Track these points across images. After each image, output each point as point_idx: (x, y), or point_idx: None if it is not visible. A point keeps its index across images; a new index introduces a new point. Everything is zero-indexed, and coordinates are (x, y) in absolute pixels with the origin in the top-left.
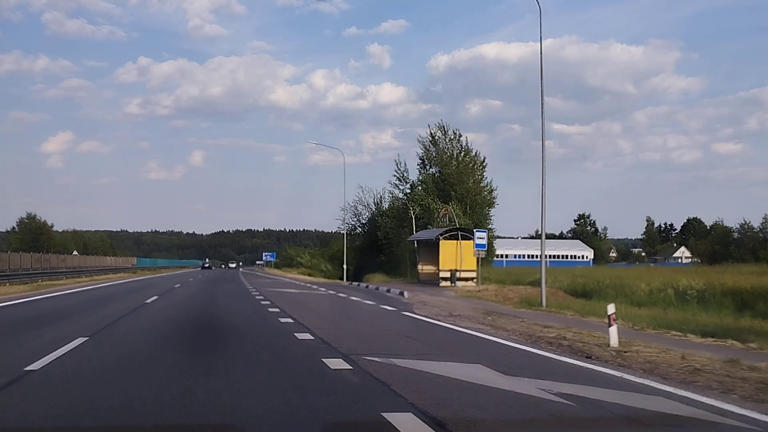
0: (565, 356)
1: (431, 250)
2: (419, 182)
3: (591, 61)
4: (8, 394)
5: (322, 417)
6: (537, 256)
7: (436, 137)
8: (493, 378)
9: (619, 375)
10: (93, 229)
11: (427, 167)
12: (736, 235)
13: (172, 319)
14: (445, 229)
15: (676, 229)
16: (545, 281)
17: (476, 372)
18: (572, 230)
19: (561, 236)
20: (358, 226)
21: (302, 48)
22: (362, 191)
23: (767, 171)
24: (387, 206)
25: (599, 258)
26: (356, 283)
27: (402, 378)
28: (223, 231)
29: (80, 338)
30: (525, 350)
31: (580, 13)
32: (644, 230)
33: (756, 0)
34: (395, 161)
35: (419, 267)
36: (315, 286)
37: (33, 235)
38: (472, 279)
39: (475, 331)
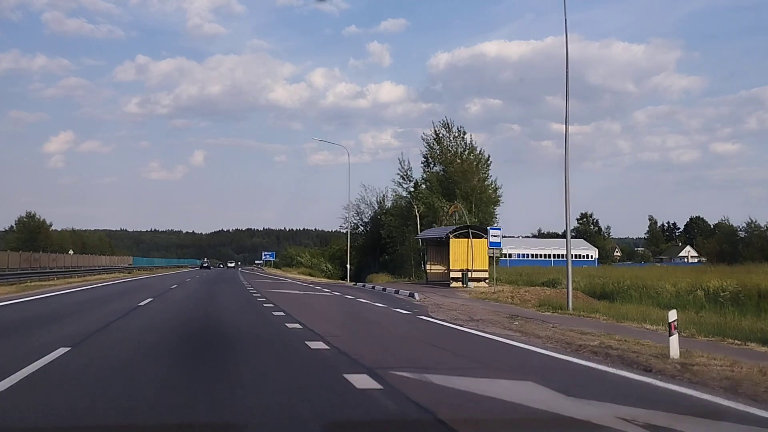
0: (621, 369)
1: (440, 249)
2: (423, 180)
3: (592, 59)
4: None
5: None
6: (540, 256)
7: (440, 135)
8: (556, 401)
9: (699, 395)
10: (92, 229)
11: (431, 165)
12: (743, 234)
13: (166, 324)
14: (455, 226)
15: (679, 228)
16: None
17: (531, 393)
18: (575, 229)
19: (564, 236)
20: (361, 225)
21: (302, 47)
22: (365, 189)
23: (766, 171)
24: (390, 205)
25: (603, 257)
26: (361, 284)
27: (445, 401)
28: (222, 230)
29: (61, 349)
30: (572, 362)
31: (582, 12)
32: (647, 229)
33: None
34: (398, 159)
35: (427, 267)
36: (318, 287)
37: (31, 234)
38: (484, 279)
39: (505, 338)
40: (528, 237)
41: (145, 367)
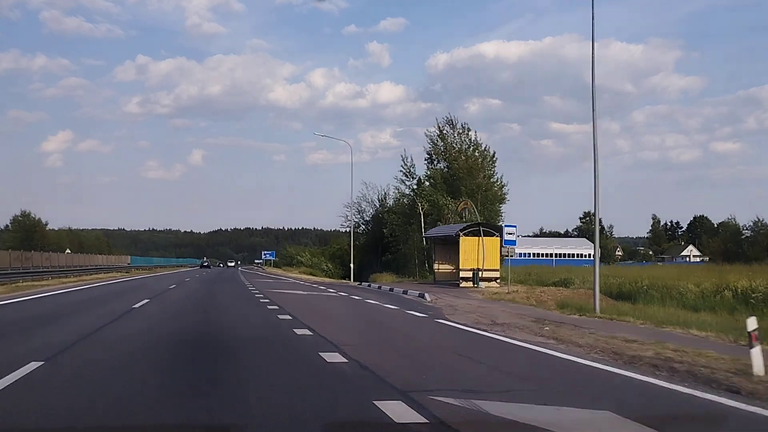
0: (701, 390)
1: (448, 248)
2: (427, 177)
3: (590, 59)
4: None
5: None
6: (542, 255)
7: (444, 131)
8: None
9: None
10: (90, 228)
11: (435, 162)
12: (749, 233)
13: (162, 330)
14: (465, 224)
15: (682, 227)
16: (580, 282)
17: (618, 429)
18: (578, 228)
19: (566, 234)
20: (362, 223)
21: (301, 46)
22: (366, 187)
23: (765, 170)
24: (392, 203)
25: (605, 257)
26: (366, 284)
27: None
28: (221, 229)
29: (32, 363)
30: (637, 380)
31: (580, 12)
32: (650, 228)
33: None
34: (401, 156)
35: (435, 266)
36: (322, 287)
37: (26, 233)
38: (495, 279)
39: (540, 346)
40: (529, 236)
41: (129, 387)
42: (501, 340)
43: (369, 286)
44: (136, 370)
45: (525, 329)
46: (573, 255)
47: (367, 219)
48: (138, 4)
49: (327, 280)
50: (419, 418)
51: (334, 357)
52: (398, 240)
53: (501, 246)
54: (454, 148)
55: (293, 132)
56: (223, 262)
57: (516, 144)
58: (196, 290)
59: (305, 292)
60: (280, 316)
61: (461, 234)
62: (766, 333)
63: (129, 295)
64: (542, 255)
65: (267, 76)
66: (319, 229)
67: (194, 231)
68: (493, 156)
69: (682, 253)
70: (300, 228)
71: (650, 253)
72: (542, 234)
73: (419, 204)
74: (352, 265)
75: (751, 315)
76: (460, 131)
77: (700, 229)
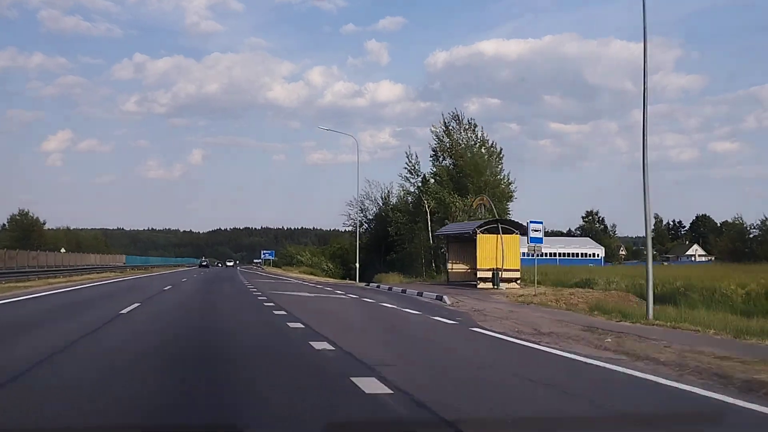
0: None
1: (462, 246)
2: (432, 174)
3: (590, 58)
4: None
5: None
6: (544, 255)
7: (450, 127)
8: None
9: None
10: (89, 227)
11: (441, 159)
12: (757, 232)
13: (149, 342)
14: (483, 221)
15: (685, 227)
16: (604, 283)
17: None
18: (581, 227)
19: (569, 234)
20: (365, 222)
21: (300, 45)
22: (369, 185)
23: (764, 169)
24: (395, 201)
25: (609, 256)
26: (374, 285)
27: None
28: (220, 229)
29: None
30: None
31: (580, 10)
32: (653, 228)
33: None
34: (406, 153)
35: (449, 266)
36: (329, 288)
37: (24, 232)
38: (515, 280)
39: (610, 363)
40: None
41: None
42: (560, 355)
43: (378, 287)
44: (106, 401)
45: (580, 340)
46: (577, 254)
47: (370, 218)
48: (137, 3)
49: (330, 280)
50: None
51: (373, 386)
52: (403, 239)
53: (528, 243)
54: (460, 144)
55: (292, 131)
56: (221, 261)
57: (515, 143)
58: (192, 292)
59: (312, 294)
60: (290, 324)
61: (479, 231)
62: None
63: (118, 299)
64: (545, 255)
65: (265, 75)
66: (318, 228)
67: (193, 230)
68: (500, 153)
69: (687, 253)
70: (299, 227)
71: (655, 252)
72: (545, 234)
73: (425, 202)
74: (357, 265)
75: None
76: (467, 127)
77: (703, 229)
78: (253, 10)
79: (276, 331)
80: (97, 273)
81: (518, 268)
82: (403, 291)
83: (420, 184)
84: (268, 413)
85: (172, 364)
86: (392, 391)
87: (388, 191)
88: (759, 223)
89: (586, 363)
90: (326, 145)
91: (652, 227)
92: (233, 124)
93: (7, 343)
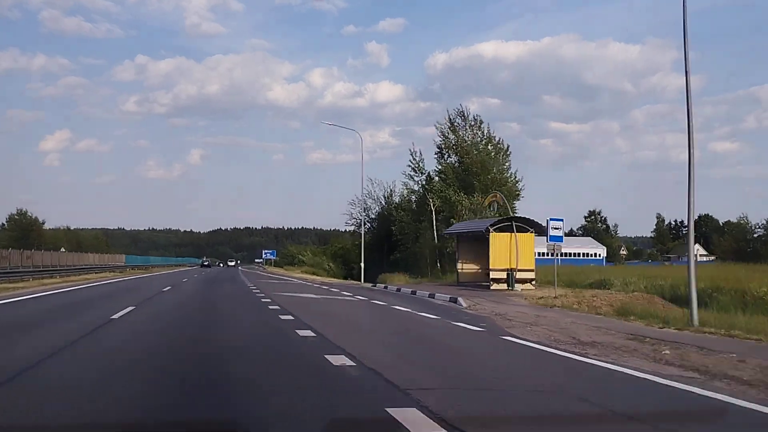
0: None
1: (473, 246)
2: (437, 172)
3: (589, 59)
4: None
5: None
6: (544, 254)
7: (456, 124)
8: None
9: None
10: (89, 227)
11: (446, 156)
12: (762, 231)
13: (140, 354)
14: (495, 219)
15: (686, 227)
16: (621, 284)
17: None
18: (582, 227)
19: (571, 233)
20: (368, 221)
21: (300, 46)
22: (372, 184)
23: (764, 169)
24: (398, 200)
25: (611, 256)
26: (381, 286)
27: None
28: (220, 229)
29: None
30: None
31: (579, 11)
32: (654, 227)
33: None
34: (410, 150)
35: (459, 265)
36: (335, 290)
37: (23, 232)
38: (530, 281)
39: (685, 383)
40: None
41: None
42: (622, 372)
43: (386, 288)
44: None
45: (632, 352)
46: (579, 254)
47: (373, 217)
48: (138, 3)
49: (334, 280)
50: None
51: (419, 422)
52: (407, 238)
53: (547, 242)
54: (466, 141)
55: (292, 131)
56: (222, 261)
57: (515, 143)
58: (193, 294)
59: (318, 296)
60: (301, 332)
61: (492, 230)
62: None
63: (113, 300)
64: (544, 254)
65: (266, 76)
66: (318, 228)
67: (194, 230)
68: (507, 150)
69: None
70: (300, 227)
71: (656, 252)
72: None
73: (430, 200)
74: (362, 265)
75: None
76: (472, 124)
77: (705, 228)
78: (253, 10)
79: (286, 341)
80: (96, 273)
81: (533, 268)
82: (413, 292)
83: (424, 182)
84: None
85: (159, 389)
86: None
87: (391, 190)
88: (764, 222)
89: (656, 383)
90: (326, 145)
91: (654, 228)
92: (233, 124)
93: None
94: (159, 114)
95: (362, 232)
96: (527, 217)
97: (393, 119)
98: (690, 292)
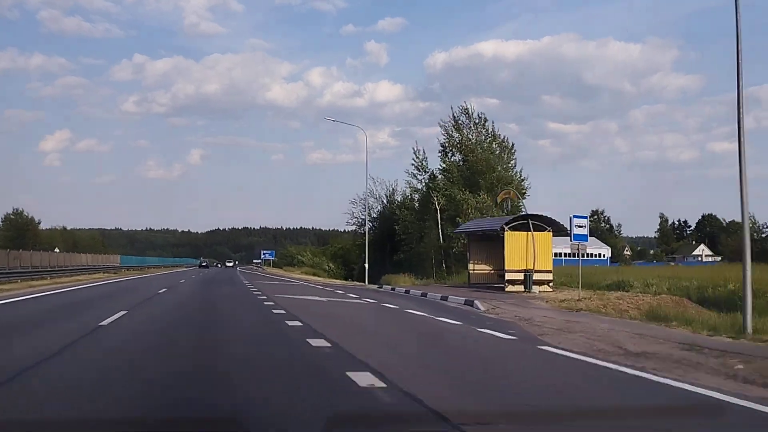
0: None
1: (484, 245)
2: (441, 171)
3: (589, 59)
4: None
5: None
6: (556, 254)
7: (460, 121)
8: None
9: None
10: (86, 227)
11: (450, 155)
12: None
13: (126, 370)
14: (510, 216)
15: (690, 227)
16: (641, 285)
17: None
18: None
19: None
20: (369, 220)
21: (299, 45)
22: (374, 182)
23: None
24: (400, 198)
25: (615, 256)
26: (388, 287)
27: None
28: (218, 229)
29: None
30: None
31: (579, 11)
32: (657, 228)
33: None
34: (413, 149)
35: (470, 266)
36: (339, 291)
37: (18, 231)
38: (547, 282)
39: None
40: None
41: None
42: (698, 393)
43: (393, 289)
44: None
45: (695, 365)
46: (583, 255)
47: (374, 216)
48: (136, 3)
49: (337, 281)
50: None
51: None
52: (411, 238)
53: (571, 241)
54: (471, 139)
55: (292, 131)
56: (221, 261)
57: (515, 143)
58: (190, 296)
59: (324, 298)
60: (313, 342)
61: (506, 228)
62: None
63: (103, 304)
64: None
65: (265, 75)
66: (317, 228)
67: (191, 230)
68: (512, 148)
69: (694, 253)
70: (298, 227)
71: (661, 253)
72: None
73: (435, 199)
74: (366, 266)
75: None
76: (477, 122)
77: (709, 228)
78: (252, 10)
79: (299, 354)
80: (89, 274)
81: (550, 269)
82: (424, 294)
83: (427, 181)
84: None
85: (153, 412)
86: None
87: (393, 189)
88: None
89: (755, 410)
90: (325, 145)
91: (658, 228)
92: (233, 124)
93: None
94: (158, 114)
95: (366, 231)
96: (544, 214)
97: (392, 119)
98: (745, 296)
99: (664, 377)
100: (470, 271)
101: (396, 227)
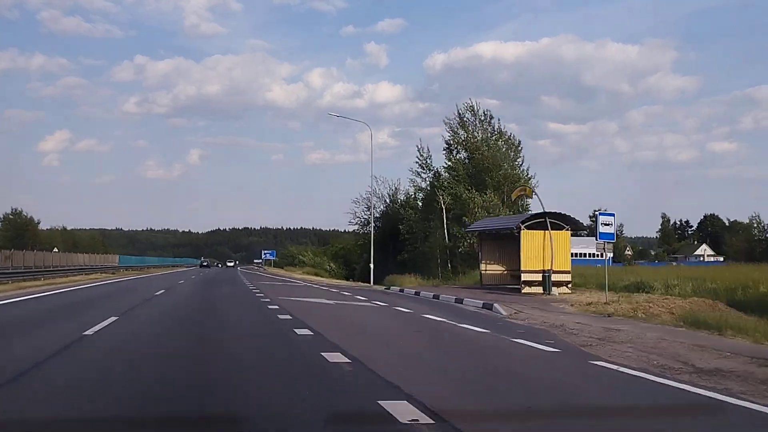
0: None
1: (497, 245)
2: (447, 169)
3: (588, 60)
4: None
5: None
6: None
7: (465, 119)
8: None
9: None
10: (86, 228)
11: (455, 152)
12: None
13: (108, 397)
14: (527, 215)
15: (692, 227)
16: (662, 287)
17: None
18: (587, 227)
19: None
20: (372, 220)
21: (299, 46)
22: (376, 181)
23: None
24: (403, 198)
25: (617, 256)
26: (396, 289)
27: None
28: (219, 229)
29: None
30: None
31: (577, 12)
32: (659, 228)
33: None
34: (417, 146)
35: (482, 266)
36: (346, 293)
37: (17, 231)
38: (566, 284)
39: None
40: None
41: None
42: None
43: (401, 291)
44: None
45: None
46: (585, 254)
47: (377, 215)
48: (136, 3)
49: (341, 282)
50: None
51: None
52: (416, 237)
53: (596, 240)
54: (476, 137)
55: (292, 131)
56: (221, 262)
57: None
58: (189, 298)
59: (331, 301)
60: (329, 356)
61: (523, 227)
62: None
63: (94, 309)
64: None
65: (265, 76)
66: (318, 228)
67: (192, 231)
68: (519, 145)
69: (696, 253)
70: (298, 227)
71: (663, 253)
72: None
73: (441, 197)
74: (371, 266)
75: None
76: (482, 119)
77: (711, 229)
78: (252, 11)
79: (311, 371)
80: (86, 275)
81: (569, 269)
82: (435, 296)
83: (431, 179)
84: None
85: None
86: None
87: (396, 188)
88: None
89: None
90: (325, 145)
91: (659, 228)
92: (233, 124)
93: None
94: (158, 114)
95: (372, 230)
96: (563, 212)
97: (392, 120)
98: None
99: (760, 404)
100: (482, 272)
101: (400, 227)
